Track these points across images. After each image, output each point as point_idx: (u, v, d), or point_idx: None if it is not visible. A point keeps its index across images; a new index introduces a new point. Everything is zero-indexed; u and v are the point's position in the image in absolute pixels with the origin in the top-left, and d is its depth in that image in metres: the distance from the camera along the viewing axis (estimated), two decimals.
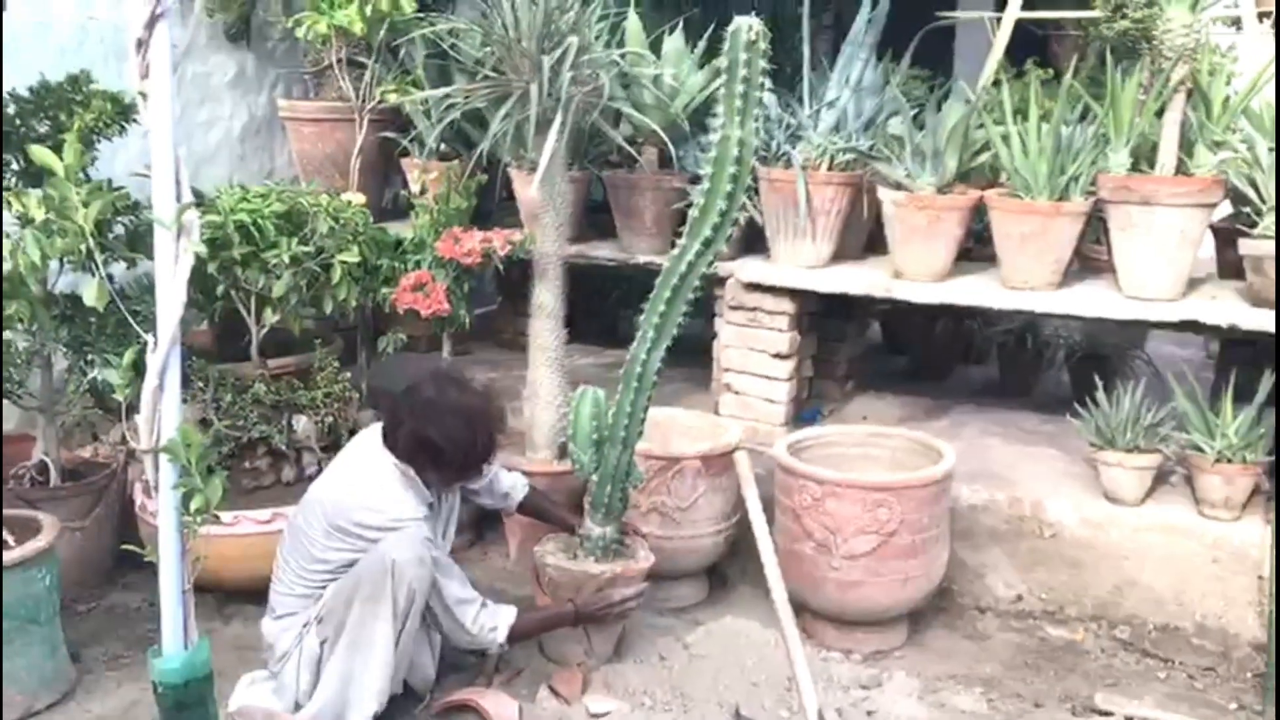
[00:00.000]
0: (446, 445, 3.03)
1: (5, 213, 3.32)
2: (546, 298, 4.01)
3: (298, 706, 3.04)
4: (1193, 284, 3.92)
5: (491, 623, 3.17)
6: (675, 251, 3.18)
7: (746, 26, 2.97)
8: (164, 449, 2.27)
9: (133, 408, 2.35)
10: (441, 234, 4.25)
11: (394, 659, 3.00)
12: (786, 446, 3.75)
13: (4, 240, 3.26)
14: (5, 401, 3.78)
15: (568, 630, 3.40)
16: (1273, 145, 3.62)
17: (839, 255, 4.37)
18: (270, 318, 3.90)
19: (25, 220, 3.33)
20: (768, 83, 3.09)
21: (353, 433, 3.99)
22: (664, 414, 4.10)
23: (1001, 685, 3.49)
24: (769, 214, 4.26)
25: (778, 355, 4.30)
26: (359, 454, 3.19)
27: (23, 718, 3.19)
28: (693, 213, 3.15)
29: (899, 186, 4.06)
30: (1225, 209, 3.99)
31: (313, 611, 3.05)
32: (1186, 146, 3.79)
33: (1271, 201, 3.59)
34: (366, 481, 3.08)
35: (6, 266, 3.32)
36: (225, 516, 3.36)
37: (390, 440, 3.10)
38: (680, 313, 3.24)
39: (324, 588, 3.05)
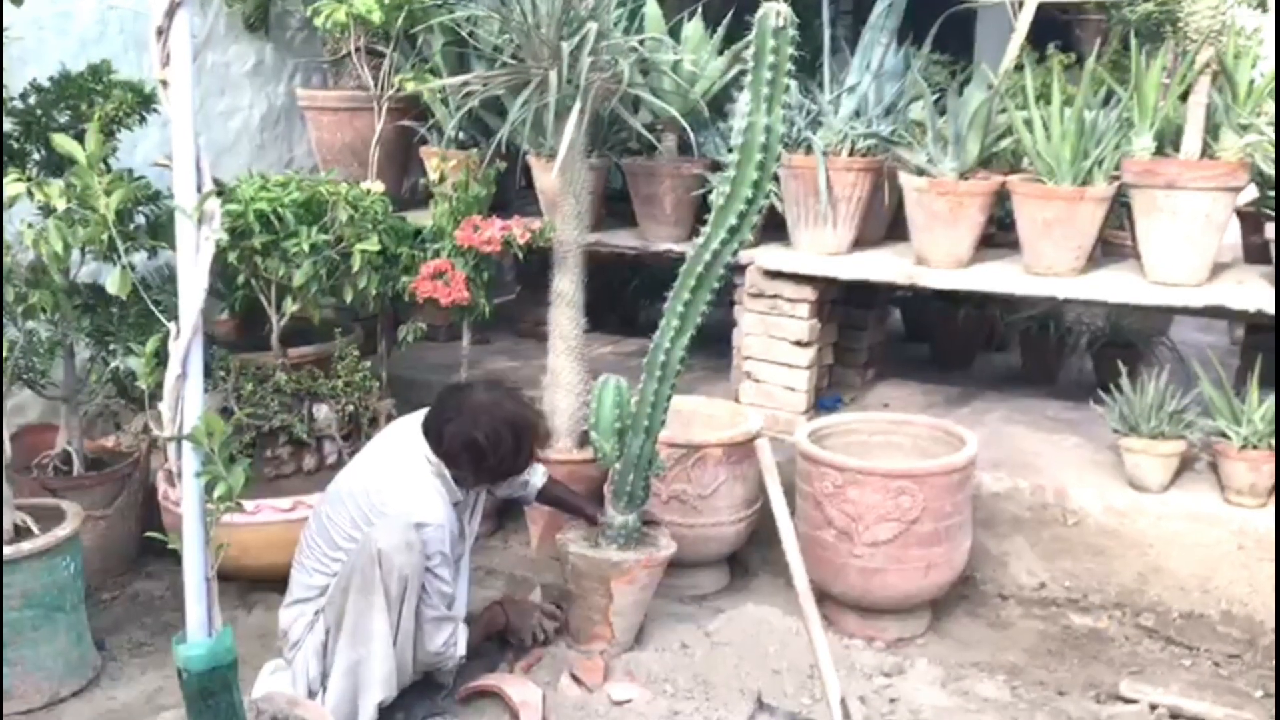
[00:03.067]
0: (490, 451, 3.05)
1: (28, 202, 3.33)
2: (566, 286, 4.00)
3: (310, 694, 3.04)
4: (1218, 269, 3.88)
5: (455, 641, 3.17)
6: (700, 240, 3.17)
7: (774, 12, 2.94)
8: (187, 436, 2.27)
9: (155, 396, 2.35)
10: (461, 222, 4.24)
11: (394, 647, 2.99)
12: (808, 434, 3.74)
13: (27, 230, 3.27)
14: (29, 391, 3.80)
15: (590, 617, 3.41)
16: None
17: (860, 242, 4.35)
18: (290, 307, 3.90)
19: (48, 210, 3.34)
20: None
21: (373, 421, 4.00)
22: (685, 402, 4.09)
23: (1025, 673, 3.48)
24: (789, 201, 4.24)
25: (798, 343, 4.28)
26: (391, 447, 3.19)
27: (48, 704, 3.22)
28: (718, 201, 3.13)
29: (920, 172, 4.04)
30: (1251, 193, 3.95)
31: (323, 601, 3.06)
32: (1212, 130, 3.76)
33: None
34: (398, 478, 3.08)
35: (29, 256, 3.33)
36: (247, 505, 3.39)
37: (433, 434, 3.11)
38: (705, 302, 3.22)
39: (336, 573, 3.05)
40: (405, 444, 3.14)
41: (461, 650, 3.16)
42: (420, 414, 3.21)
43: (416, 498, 3.03)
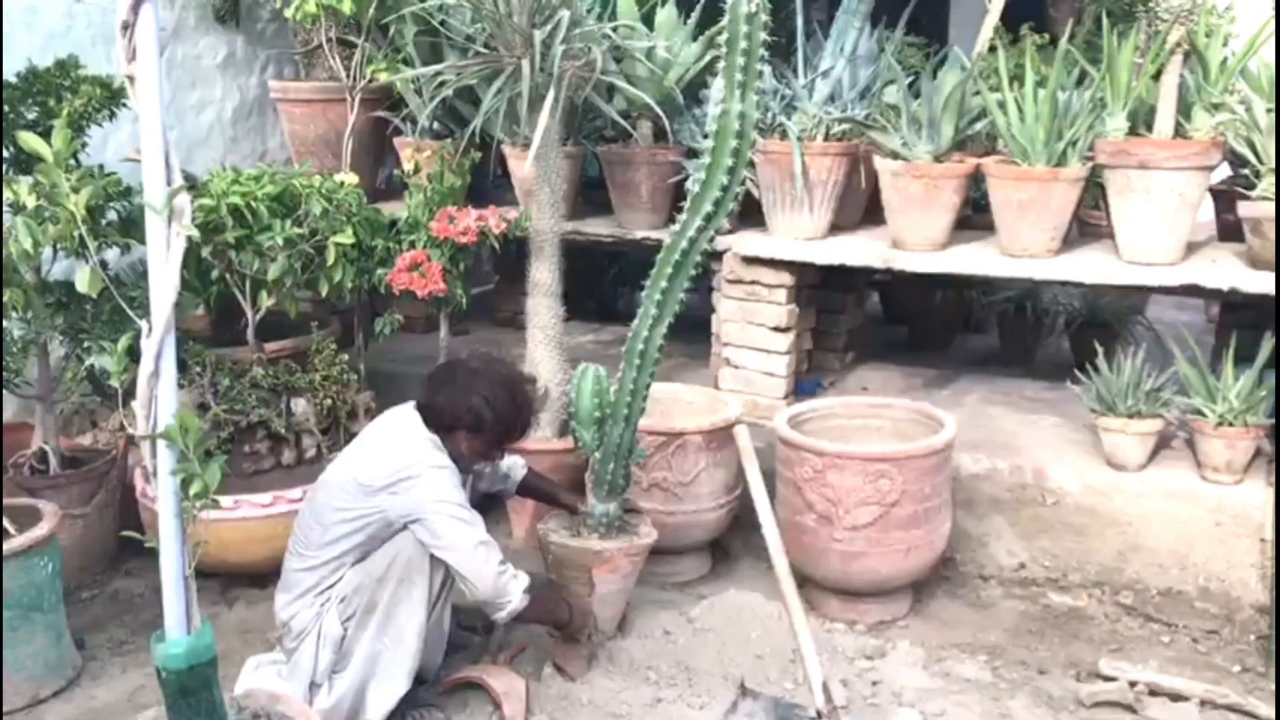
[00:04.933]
0: (488, 412, 3.03)
1: None
2: (543, 275, 3.99)
3: (313, 685, 3.02)
4: (1192, 247, 3.91)
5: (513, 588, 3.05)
6: (676, 228, 3.16)
7: None
8: (161, 435, 2.25)
9: (129, 394, 2.33)
10: (436, 213, 4.23)
11: (423, 640, 3.00)
12: (787, 419, 3.74)
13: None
14: (4, 391, 3.77)
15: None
16: (1271, 106, 3.60)
17: (837, 226, 4.35)
18: (266, 301, 3.88)
19: (17, 207, 3.31)
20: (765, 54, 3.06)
21: (351, 415, 3.98)
22: (664, 389, 4.09)
23: (1006, 653, 3.50)
24: (765, 186, 4.24)
25: (777, 329, 4.29)
26: (387, 426, 3.16)
27: (29, 705, 3.20)
28: (693, 188, 3.12)
29: (895, 156, 4.04)
30: (1224, 171, 3.97)
31: (337, 590, 3.01)
32: (1184, 109, 3.77)
33: (1271, 163, 3.57)
34: (395, 443, 3.06)
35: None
36: (226, 501, 3.37)
37: (430, 409, 3.08)
38: (682, 289, 3.22)
39: (343, 562, 3.01)
40: (400, 422, 3.12)
41: (515, 606, 3.02)
42: (409, 409, 3.18)
43: (417, 452, 3.01)
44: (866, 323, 5.31)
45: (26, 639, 3.18)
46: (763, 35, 2.96)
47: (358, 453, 3.12)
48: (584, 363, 3.46)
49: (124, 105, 3.80)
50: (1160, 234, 3.74)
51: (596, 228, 4.69)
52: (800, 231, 4.25)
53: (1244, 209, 3.67)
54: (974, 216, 4.39)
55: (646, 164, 4.45)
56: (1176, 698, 3.18)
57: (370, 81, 4.81)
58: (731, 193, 3.10)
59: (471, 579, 2.97)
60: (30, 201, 3.26)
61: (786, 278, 4.25)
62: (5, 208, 3.35)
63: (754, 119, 3.03)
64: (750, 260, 4.27)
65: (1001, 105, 3.91)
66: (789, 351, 4.32)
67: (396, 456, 3.00)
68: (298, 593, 3.06)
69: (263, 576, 3.47)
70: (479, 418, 3.03)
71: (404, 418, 3.14)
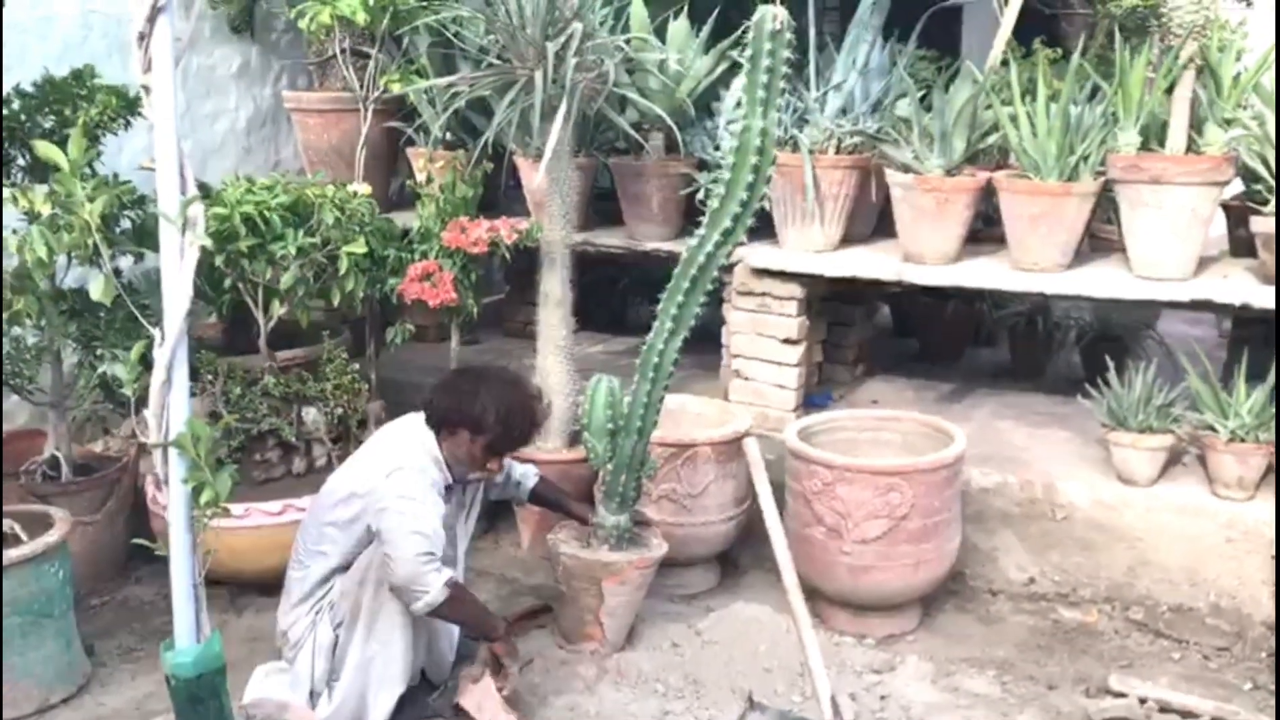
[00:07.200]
0: (492, 416, 3.04)
1: (12, 208, 3.31)
2: (554, 286, 4.00)
3: (313, 694, 3.04)
4: (1204, 263, 3.89)
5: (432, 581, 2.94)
6: (693, 242, 3.17)
7: (771, 16, 2.93)
8: (172, 443, 2.27)
9: (142, 402, 2.35)
10: (448, 223, 4.24)
11: (412, 639, 3.00)
12: (797, 432, 3.74)
13: (11, 236, 3.26)
14: (16, 397, 3.79)
15: (581, 618, 3.41)
16: None
17: (847, 239, 4.35)
18: (278, 310, 3.89)
19: (32, 216, 3.33)
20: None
21: (362, 424, 3.99)
22: (675, 401, 4.08)
23: (1015, 668, 3.49)
24: (777, 199, 4.24)
25: (787, 340, 4.29)
26: (385, 434, 3.20)
27: (39, 711, 3.21)
28: (712, 203, 3.13)
29: (907, 169, 4.04)
30: (1236, 186, 3.96)
31: (329, 598, 3.05)
32: (1197, 124, 3.77)
33: None
34: (389, 447, 3.09)
35: (14, 262, 3.32)
36: (236, 509, 3.38)
37: (433, 410, 3.11)
38: (699, 303, 3.23)
39: (335, 568, 3.04)
40: (399, 432, 3.16)
41: (432, 597, 2.91)
42: (413, 415, 3.20)
43: (399, 456, 3.03)
44: (877, 335, 5.30)
45: (36, 645, 3.19)
46: (785, 53, 2.97)
47: (355, 460, 3.17)
48: (597, 374, 3.47)
49: (139, 115, 3.82)
50: (1172, 249, 3.73)
51: (607, 239, 4.70)
52: (811, 244, 4.25)
53: (1256, 224, 3.66)
54: (985, 230, 4.39)
55: (658, 176, 4.46)
56: (1187, 714, 3.16)
57: (383, 92, 4.83)
58: (750, 208, 3.11)
59: (392, 561, 2.89)
60: (45, 210, 3.29)
61: (797, 290, 4.25)
62: (21, 216, 3.38)
63: (774, 136, 3.04)
64: (761, 272, 4.27)
65: (1013, 119, 3.91)
66: (799, 364, 4.32)
67: (386, 457, 3.04)
68: (295, 600, 3.11)
69: (272, 585, 3.46)
70: (480, 420, 3.05)
71: (403, 425, 3.18)
